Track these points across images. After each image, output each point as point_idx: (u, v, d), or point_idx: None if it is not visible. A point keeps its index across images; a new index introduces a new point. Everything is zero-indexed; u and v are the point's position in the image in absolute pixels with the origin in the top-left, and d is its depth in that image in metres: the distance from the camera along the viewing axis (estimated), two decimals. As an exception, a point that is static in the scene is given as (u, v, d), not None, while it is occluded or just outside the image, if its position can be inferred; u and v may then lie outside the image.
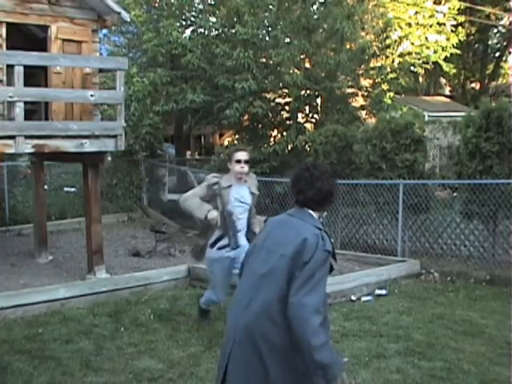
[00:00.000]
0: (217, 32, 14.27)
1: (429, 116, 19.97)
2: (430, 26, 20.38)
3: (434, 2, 21.75)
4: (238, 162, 5.32)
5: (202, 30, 14.44)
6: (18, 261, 9.44)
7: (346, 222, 10.29)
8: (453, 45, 21.00)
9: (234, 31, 13.28)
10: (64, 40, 8.03)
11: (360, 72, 14.36)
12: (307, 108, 14.18)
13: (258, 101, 13.11)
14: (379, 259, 8.91)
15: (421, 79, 27.25)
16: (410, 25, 20.01)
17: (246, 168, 5.35)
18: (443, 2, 21.90)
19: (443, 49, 20.77)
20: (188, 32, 15.10)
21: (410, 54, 17.86)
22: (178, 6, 14.91)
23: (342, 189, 9.84)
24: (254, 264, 2.88)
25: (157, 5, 15.78)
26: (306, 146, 13.00)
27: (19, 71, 7.10)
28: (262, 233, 3.01)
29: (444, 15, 21.32)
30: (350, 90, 14.24)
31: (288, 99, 14.06)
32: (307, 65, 14.15)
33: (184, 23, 15.25)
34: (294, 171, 3.00)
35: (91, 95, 7.79)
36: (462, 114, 13.08)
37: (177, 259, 9.71)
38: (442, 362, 5.10)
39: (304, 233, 2.75)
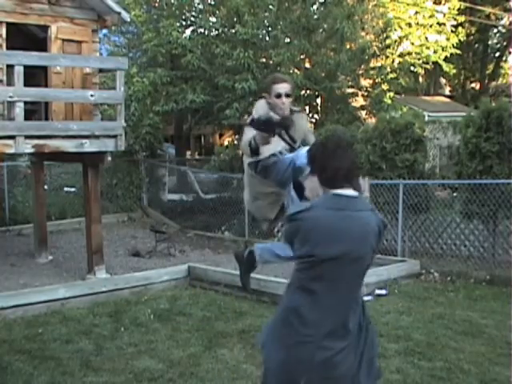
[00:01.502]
0: (217, 32, 14.29)
1: (429, 116, 19.96)
2: (430, 26, 20.39)
3: (434, 2, 21.76)
4: (279, 96, 4.11)
5: (202, 30, 14.46)
6: (17, 261, 9.44)
7: (346, 222, 10.28)
8: (453, 45, 21.01)
9: (234, 31, 13.30)
10: (64, 40, 8.04)
11: (360, 72, 14.38)
12: (307, 108, 14.19)
13: (258, 101, 13.11)
14: (379, 259, 8.88)
15: (421, 79, 27.26)
16: (410, 25, 20.03)
17: (287, 103, 4.18)
18: (443, 2, 21.91)
19: (443, 49, 20.78)
20: (188, 32, 15.11)
21: (410, 54, 17.89)
22: (178, 5, 14.92)
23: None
24: (340, 279, 2.68)
25: (157, 5, 15.79)
26: (306, 146, 12.99)
27: (19, 71, 7.11)
28: (318, 238, 2.63)
29: (444, 15, 21.33)
30: (350, 90, 14.27)
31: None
32: (307, 65, 14.17)
33: (184, 23, 15.26)
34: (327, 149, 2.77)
35: (91, 95, 7.79)
36: (462, 113, 13.07)
37: (177, 259, 9.71)
38: (442, 362, 5.09)
39: (372, 220, 2.73)
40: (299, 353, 2.66)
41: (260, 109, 4.05)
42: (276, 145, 3.94)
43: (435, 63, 21.38)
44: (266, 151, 3.90)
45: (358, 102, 14.83)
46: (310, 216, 2.61)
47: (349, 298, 2.73)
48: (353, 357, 2.69)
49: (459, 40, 21.47)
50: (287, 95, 4.07)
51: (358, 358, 2.72)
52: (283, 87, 4.04)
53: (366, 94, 14.59)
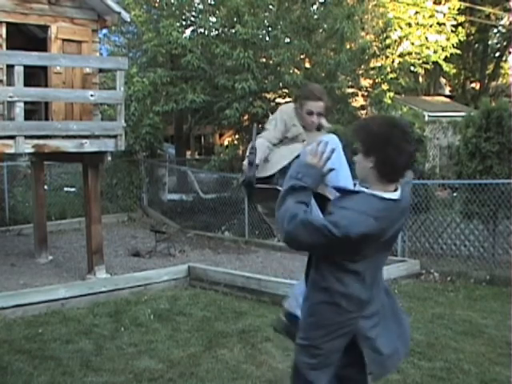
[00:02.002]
0: (217, 32, 14.27)
1: (429, 116, 19.97)
2: (430, 26, 20.40)
3: (434, 2, 21.77)
4: (310, 113, 3.76)
5: (202, 30, 14.44)
6: (17, 261, 9.44)
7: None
8: (453, 45, 21.01)
9: (234, 31, 13.28)
10: (64, 40, 8.04)
11: (360, 72, 14.38)
12: (307, 108, 14.18)
13: (257, 101, 13.11)
14: (379, 259, 8.90)
15: (421, 79, 27.24)
16: (409, 25, 20.03)
17: (316, 121, 3.83)
18: (443, 2, 21.91)
19: (443, 49, 20.78)
20: (188, 32, 15.10)
21: (410, 54, 17.89)
22: (178, 5, 14.90)
23: (342, 189, 9.83)
24: (379, 260, 2.80)
25: (157, 5, 15.77)
26: (306, 146, 12.98)
27: (19, 71, 7.11)
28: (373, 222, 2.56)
29: (444, 15, 21.34)
30: (350, 90, 14.25)
31: (288, 99, 14.06)
32: (307, 65, 14.16)
33: (184, 23, 15.24)
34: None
35: (91, 95, 7.79)
36: (462, 113, 13.08)
37: (177, 259, 9.71)
38: (442, 362, 5.10)
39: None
40: (343, 330, 2.73)
41: (285, 114, 3.78)
42: (285, 157, 3.63)
43: (435, 63, 21.38)
44: (270, 168, 3.58)
45: (358, 102, 14.82)
46: (363, 229, 2.54)
47: (381, 268, 2.84)
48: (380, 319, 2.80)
49: (459, 40, 21.46)
50: (319, 114, 3.75)
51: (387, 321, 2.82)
52: (317, 106, 3.73)
53: (366, 94, 14.58)
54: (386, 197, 2.59)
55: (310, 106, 3.72)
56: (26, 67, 7.21)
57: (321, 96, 3.80)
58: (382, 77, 14.35)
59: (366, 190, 2.65)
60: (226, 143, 22.03)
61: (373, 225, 2.54)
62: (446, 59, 21.44)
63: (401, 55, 16.61)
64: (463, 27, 22.86)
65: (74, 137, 7.70)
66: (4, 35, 7.59)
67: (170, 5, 15.00)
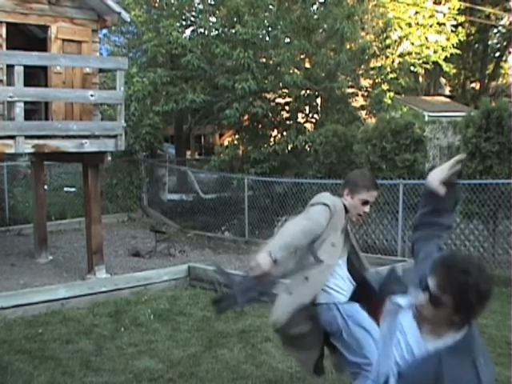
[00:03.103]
0: (217, 32, 14.28)
1: (429, 116, 19.96)
2: (430, 26, 20.39)
3: (434, 2, 21.76)
4: (365, 203, 3.57)
5: (202, 30, 14.46)
6: (18, 261, 9.44)
7: (346, 222, 10.27)
8: (453, 45, 21.00)
9: (234, 31, 13.29)
10: (64, 40, 8.05)
11: (360, 72, 14.38)
12: (307, 108, 14.19)
13: (257, 101, 13.12)
14: (379, 259, 8.90)
15: (421, 79, 27.23)
16: (409, 25, 20.02)
17: (367, 211, 3.67)
18: (443, 2, 21.90)
19: (443, 49, 20.77)
20: (188, 32, 15.12)
21: (409, 54, 17.89)
22: (178, 5, 14.92)
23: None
24: None
25: (157, 5, 15.78)
26: (306, 146, 13.02)
27: (19, 71, 7.11)
28: None
29: (444, 15, 21.33)
30: (350, 90, 14.26)
31: (288, 99, 14.06)
32: (307, 65, 14.16)
33: (184, 23, 15.26)
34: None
35: (91, 95, 7.80)
36: (462, 113, 13.08)
37: (177, 259, 9.71)
38: (442, 362, 5.09)
39: None
40: None
41: (337, 207, 3.48)
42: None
43: (435, 63, 21.36)
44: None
45: (358, 101, 14.83)
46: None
47: None
48: None
49: (459, 40, 21.45)
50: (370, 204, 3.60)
51: None
52: (374, 196, 3.56)
53: (366, 94, 14.59)
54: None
55: (368, 196, 3.55)
56: (26, 67, 7.21)
57: (378, 184, 3.66)
58: (382, 77, 14.36)
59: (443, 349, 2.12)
60: (226, 143, 22.03)
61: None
62: (445, 59, 21.42)
63: (401, 55, 16.61)
64: (463, 27, 22.85)
65: (74, 137, 7.71)
66: (4, 35, 7.60)
67: (170, 5, 15.01)
